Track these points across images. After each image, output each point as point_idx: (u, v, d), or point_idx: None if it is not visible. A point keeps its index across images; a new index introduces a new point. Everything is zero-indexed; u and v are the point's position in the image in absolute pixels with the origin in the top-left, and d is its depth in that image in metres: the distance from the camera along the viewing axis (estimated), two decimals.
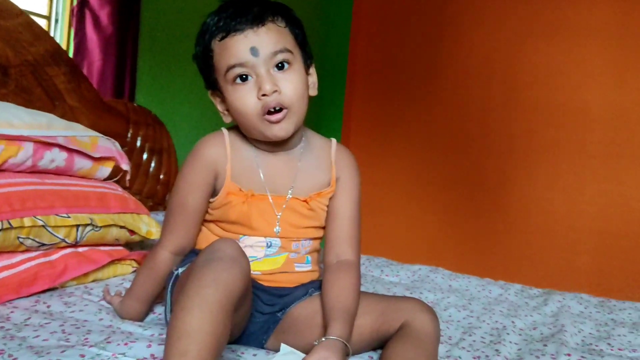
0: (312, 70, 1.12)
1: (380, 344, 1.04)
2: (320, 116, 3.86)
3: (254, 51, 1.00)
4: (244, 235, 1.09)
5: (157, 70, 2.66)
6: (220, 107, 1.11)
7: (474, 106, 3.55)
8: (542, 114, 3.34)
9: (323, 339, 0.92)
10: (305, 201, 1.11)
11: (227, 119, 1.11)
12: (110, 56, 2.36)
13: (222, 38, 1.02)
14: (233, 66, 1.01)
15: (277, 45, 1.01)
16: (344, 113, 3.92)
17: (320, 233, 1.16)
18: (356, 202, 1.16)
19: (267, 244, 1.09)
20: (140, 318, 1.16)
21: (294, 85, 1.03)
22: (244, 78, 1.02)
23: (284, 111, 1.02)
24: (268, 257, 1.09)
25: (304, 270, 1.14)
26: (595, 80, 3.21)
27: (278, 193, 1.10)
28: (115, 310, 1.18)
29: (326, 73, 3.92)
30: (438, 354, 1.10)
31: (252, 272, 1.05)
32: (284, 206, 1.09)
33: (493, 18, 3.48)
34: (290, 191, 1.10)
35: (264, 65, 1.01)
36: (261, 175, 1.09)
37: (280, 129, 1.03)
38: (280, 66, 1.02)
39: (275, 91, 1.00)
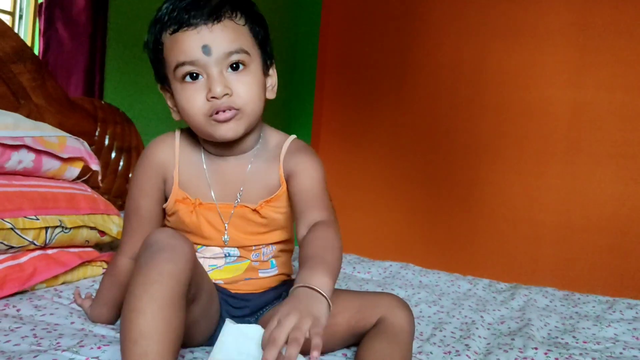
0: (272, 71, 1.04)
1: (356, 340, 1.04)
2: (290, 116, 3.87)
3: (206, 50, 0.92)
4: (202, 245, 1.07)
5: (126, 67, 2.62)
6: (169, 103, 1.05)
7: (441, 106, 3.60)
8: (507, 113, 3.40)
9: (295, 287, 0.77)
10: (255, 210, 1.04)
11: (176, 116, 1.04)
12: (80, 53, 2.32)
13: (174, 31, 0.93)
14: (182, 63, 0.93)
15: (232, 45, 0.93)
16: (313, 113, 3.93)
17: (283, 236, 1.09)
18: (317, 179, 1.02)
19: (225, 254, 1.06)
20: (110, 322, 1.15)
21: (247, 88, 0.95)
22: (194, 76, 0.94)
23: (234, 111, 0.95)
24: (228, 264, 1.07)
25: (269, 275, 1.11)
26: (556, 79, 3.28)
27: (226, 201, 1.05)
28: (86, 314, 1.17)
29: (295, 74, 3.93)
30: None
31: (214, 280, 1.06)
32: (231, 212, 1.04)
33: (460, 20, 3.53)
34: (237, 200, 1.04)
35: (217, 65, 0.93)
36: (208, 182, 1.05)
37: (228, 129, 0.96)
38: (234, 67, 0.95)
39: (227, 94, 0.93)
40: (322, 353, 1.06)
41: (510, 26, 3.39)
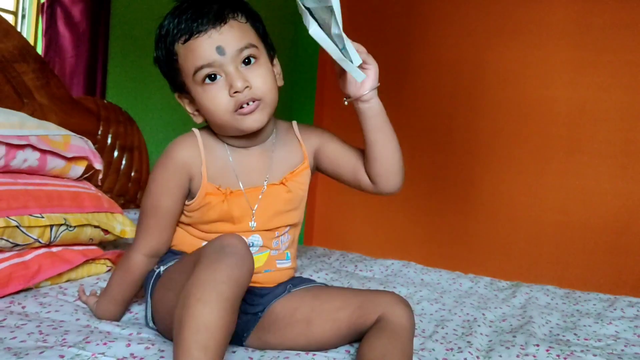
0: (276, 61, 1.12)
1: (358, 337, 1.06)
2: (291, 116, 3.86)
3: (220, 50, 0.99)
4: None
5: (128, 66, 2.63)
6: (189, 109, 1.10)
7: (442, 104, 3.60)
8: (507, 112, 3.41)
9: None
10: (281, 184, 1.12)
11: (198, 120, 1.10)
12: (81, 53, 2.33)
13: (186, 40, 1.01)
14: (201, 67, 1.00)
15: (242, 42, 1.01)
16: (314, 112, 3.94)
17: (298, 217, 1.17)
18: (341, 142, 1.20)
19: (250, 243, 1.09)
20: (116, 318, 1.16)
21: (263, 79, 1.03)
22: (213, 78, 1.01)
23: (257, 102, 1.02)
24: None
25: (285, 266, 1.16)
26: (556, 78, 3.29)
27: (254, 186, 1.10)
28: (91, 310, 1.18)
29: (297, 73, 3.94)
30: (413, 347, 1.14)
31: None
32: (259, 197, 1.10)
33: (460, 19, 3.54)
34: (265, 182, 1.11)
35: (232, 62, 1.00)
36: (235, 173, 1.10)
37: (254, 120, 1.03)
38: (247, 62, 1.02)
39: (247, 87, 1.00)
40: (326, 350, 1.08)
41: (511, 25, 3.40)
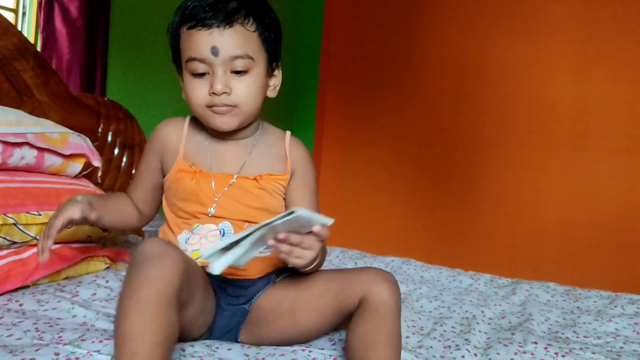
0: (278, 72, 1.13)
1: (347, 318, 1.02)
2: (293, 111, 3.87)
3: (214, 50, 1.01)
4: (198, 224, 1.10)
5: (128, 63, 2.63)
6: (181, 83, 1.14)
7: (445, 100, 3.59)
8: (511, 108, 3.40)
9: None
10: (254, 179, 1.11)
11: (184, 96, 1.13)
12: (79, 50, 2.33)
13: (190, 27, 1.03)
14: (193, 59, 1.03)
15: (239, 50, 1.02)
16: (317, 106, 3.93)
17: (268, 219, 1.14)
18: (314, 192, 1.18)
19: (220, 232, 1.09)
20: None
21: (246, 89, 1.05)
22: (200, 74, 1.04)
23: (230, 107, 1.05)
24: None
25: (264, 256, 1.10)
26: (561, 75, 3.28)
27: (225, 172, 1.12)
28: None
29: (299, 68, 3.93)
30: (409, 344, 1.14)
31: None
32: (227, 186, 1.10)
33: (463, 15, 3.53)
34: (237, 173, 1.11)
35: (222, 66, 1.02)
36: (209, 158, 1.13)
37: (222, 122, 1.07)
38: (237, 71, 1.04)
39: (225, 93, 1.03)
40: (319, 337, 1.09)
41: (514, 21, 3.38)
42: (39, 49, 2.25)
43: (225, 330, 1.09)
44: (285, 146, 1.16)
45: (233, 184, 1.11)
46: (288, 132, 1.20)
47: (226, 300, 1.09)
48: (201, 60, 1.03)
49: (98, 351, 0.94)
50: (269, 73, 1.10)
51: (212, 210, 1.09)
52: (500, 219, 3.43)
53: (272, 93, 1.13)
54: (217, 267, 0.86)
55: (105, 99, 2.35)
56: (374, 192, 3.80)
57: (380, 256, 1.97)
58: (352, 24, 3.90)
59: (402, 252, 2.29)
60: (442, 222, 3.58)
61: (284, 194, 1.15)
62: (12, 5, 2.31)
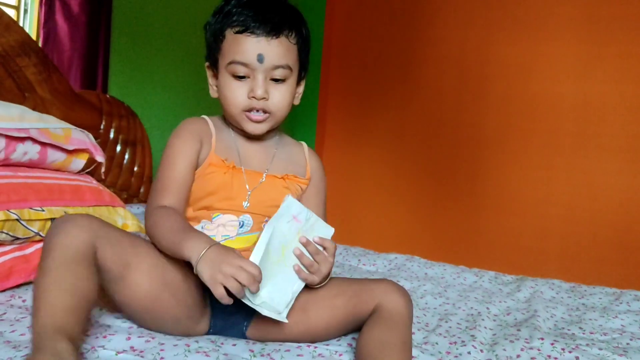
0: (303, 82, 1.20)
1: (356, 327, 1.05)
2: (295, 109, 3.85)
3: (260, 58, 1.06)
4: (218, 214, 1.10)
5: (130, 60, 2.62)
6: (211, 81, 1.17)
7: (447, 98, 3.58)
8: (513, 106, 3.39)
9: None
10: (282, 178, 1.16)
11: (214, 94, 1.16)
12: (81, 46, 2.32)
13: (238, 32, 1.07)
14: (238, 62, 1.07)
15: (281, 60, 1.08)
16: (318, 104, 3.92)
17: None
18: (324, 203, 1.24)
19: (240, 223, 1.11)
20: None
21: (282, 97, 1.10)
22: (242, 77, 1.08)
23: (266, 115, 1.10)
24: (240, 235, 1.11)
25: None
26: (564, 73, 3.26)
27: (255, 170, 1.15)
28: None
29: None
30: (415, 340, 1.13)
31: None
32: (258, 183, 1.13)
33: (465, 12, 3.51)
34: (266, 172, 1.15)
35: (264, 72, 1.07)
36: (239, 154, 1.15)
37: (256, 128, 1.12)
38: (276, 79, 1.09)
39: (264, 98, 1.08)
40: (327, 339, 1.07)
41: (517, 18, 3.37)
42: (40, 45, 2.24)
43: (233, 321, 1.08)
44: (305, 154, 1.24)
45: (263, 182, 1.14)
46: (304, 143, 1.27)
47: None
48: (245, 65, 1.07)
49: (102, 346, 0.93)
50: (298, 82, 1.17)
51: (246, 204, 1.11)
52: (503, 217, 3.42)
53: (297, 100, 1.19)
54: (284, 313, 0.99)
55: (108, 95, 2.34)
56: (377, 189, 3.79)
57: (384, 253, 1.97)
58: (353, 22, 3.89)
59: (405, 250, 2.29)
60: (445, 220, 3.58)
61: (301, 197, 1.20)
62: (13, 2, 2.30)
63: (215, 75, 1.14)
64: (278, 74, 1.09)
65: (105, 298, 1.06)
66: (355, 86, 3.89)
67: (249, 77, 1.08)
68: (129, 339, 0.97)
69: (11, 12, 2.28)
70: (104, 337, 0.97)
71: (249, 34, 1.06)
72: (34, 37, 2.30)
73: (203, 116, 1.19)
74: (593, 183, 3.19)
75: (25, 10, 2.34)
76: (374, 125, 3.80)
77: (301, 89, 1.20)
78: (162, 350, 0.95)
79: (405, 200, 3.69)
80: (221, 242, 1.07)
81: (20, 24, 2.29)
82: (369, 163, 3.81)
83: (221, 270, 0.88)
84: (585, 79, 3.21)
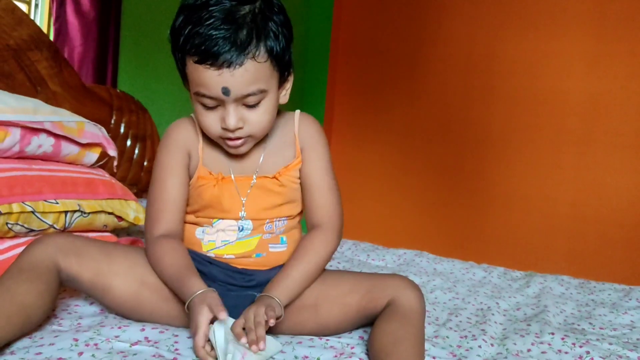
0: (290, 77, 1.07)
1: (367, 322, 1.06)
2: (303, 104, 3.87)
3: (225, 91, 0.95)
4: (218, 219, 1.09)
5: (139, 55, 2.63)
6: (190, 98, 1.07)
7: (455, 94, 3.58)
8: (521, 103, 3.38)
9: (260, 294, 1.00)
10: (274, 177, 1.09)
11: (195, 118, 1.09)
12: (91, 41, 2.33)
13: (197, 62, 0.94)
14: (203, 95, 0.98)
15: (251, 87, 0.96)
16: (326, 103, 3.92)
17: (295, 210, 1.14)
18: (325, 167, 1.13)
19: (239, 227, 1.09)
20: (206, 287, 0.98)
21: (259, 118, 1.01)
22: (211, 107, 1.00)
23: (245, 138, 1.02)
24: (241, 240, 1.09)
25: (279, 250, 1.12)
26: (571, 69, 3.25)
27: (245, 174, 1.10)
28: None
29: (308, 64, 3.92)
30: (425, 334, 1.14)
31: (225, 256, 1.09)
32: (249, 190, 1.09)
33: (473, 9, 3.51)
34: (256, 173, 1.09)
35: (233, 102, 0.97)
36: (227, 160, 1.10)
37: (238, 151, 1.05)
38: (250, 105, 0.99)
39: (239, 128, 1.00)
40: (338, 334, 1.08)
41: (525, 15, 3.36)
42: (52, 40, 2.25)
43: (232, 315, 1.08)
44: (295, 126, 1.12)
45: (255, 184, 1.09)
46: (297, 111, 1.15)
47: (235, 283, 1.08)
48: (211, 98, 0.97)
49: (117, 337, 0.94)
50: (280, 85, 1.04)
51: (243, 214, 1.08)
52: (510, 213, 3.42)
53: (283, 99, 1.08)
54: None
55: (118, 90, 2.35)
56: (385, 185, 3.79)
57: (393, 248, 1.97)
58: (361, 20, 3.88)
59: (414, 246, 2.29)
60: (452, 217, 3.58)
61: (299, 178, 1.13)
62: None
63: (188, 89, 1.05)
64: (251, 100, 0.98)
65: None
66: (362, 84, 3.89)
67: (219, 106, 0.99)
68: (143, 330, 0.98)
69: (23, 7, 2.29)
70: (119, 327, 0.97)
71: (208, 65, 0.93)
72: (45, 30, 2.31)
73: (192, 115, 1.11)
74: (601, 180, 3.19)
75: (37, 5, 2.35)
76: (382, 122, 3.80)
77: (287, 85, 1.07)
78: (176, 342, 0.96)
79: (413, 196, 3.70)
80: (221, 248, 1.09)
81: (32, 17, 2.31)
82: (376, 159, 3.81)
83: (190, 324, 0.91)
84: (593, 76, 3.21)
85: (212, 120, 1.01)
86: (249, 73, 0.95)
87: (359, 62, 3.90)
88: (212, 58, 0.93)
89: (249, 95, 0.97)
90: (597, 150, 3.20)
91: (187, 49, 0.95)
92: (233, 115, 0.98)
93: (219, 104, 0.98)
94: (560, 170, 3.29)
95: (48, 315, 1.01)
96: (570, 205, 3.26)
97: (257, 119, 1.00)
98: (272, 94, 1.02)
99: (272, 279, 1.03)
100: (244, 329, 0.89)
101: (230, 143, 1.03)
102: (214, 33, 0.92)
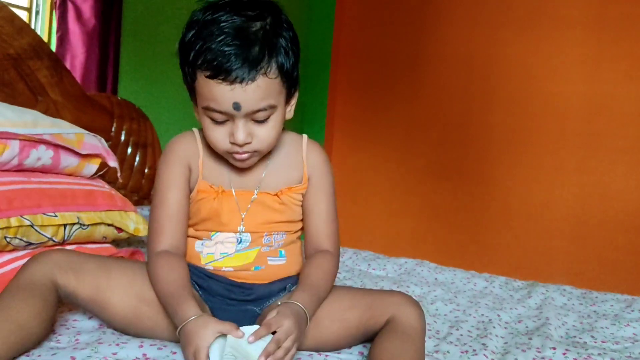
0: (296, 94, 1.08)
1: (368, 338, 1.05)
2: (304, 109, 3.86)
3: (236, 106, 0.96)
4: (216, 232, 1.09)
5: (140, 63, 2.63)
6: (195, 111, 1.08)
7: (455, 98, 3.57)
8: (522, 106, 3.37)
9: (281, 302, 0.97)
10: (276, 195, 1.11)
11: (197, 116, 1.08)
12: (92, 49, 2.33)
13: (209, 77, 0.95)
14: (213, 110, 0.98)
15: (262, 103, 0.97)
16: (327, 108, 3.92)
17: (294, 227, 1.15)
18: (330, 198, 1.15)
19: (238, 239, 1.09)
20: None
21: (267, 134, 1.02)
22: (220, 122, 1.00)
23: (252, 152, 1.03)
24: (239, 252, 1.09)
25: (278, 263, 1.12)
26: (573, 72, 3.24)
27: (246, 189, 1.10)
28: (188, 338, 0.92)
29: (309, 66, 3.92)
30: (426, 348, 1.13)
31: (224, 268, 1.09)
32: (249, 204, 1.09)
33: (474, 12, 3.50)
34: (257, 189, 1.10)
35: (243, 117, 0.98)
36: (228, 174, 1.10)
37: (243, 164, 1.06)
38: (259, 120, 1.00)
39: (248, 143, 1.00)
40: (337, 350, 1.07)
41: (526, 17, 3.35)
42: (53, 48, 2.26)
43: None
44: (303, 151, 1.14)
45: (255, 200, 1.10)
46: (305, 136, 1.17)
47: (233, 297, 1.08)
48: (221, 113, 0.98)
49: (115, 354, 0.94)
50: (287, 101, 1.06)
51: (241, 229, 1.09)
52: (512, 219, 3.41)
53: (289, 115, 1.08)
54: None
55: (119, 98, 2.35)
56: (386, 192, 3.79)
57: (394, 257, 1.96)
58: (363, 21, 3.88)
59: (414, 252, 2.29)
60: (453, 222, 3.57)
61: (302, 202, 1.15)
62: (25, 4, 2.31)
63: (195, 103, 1.05)
64: (260, 116, 0.99)
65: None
66: (364, 86, 3.88)
67: (228, 121, 0.99)
68: (141, 346, 0.98)
69: (23, 14, 2.29)
70: (117, 345, 0.97)
71: (220, 80, 0.94)
72: (45, 39, 2.31)
73: (193, 130, 1.13)
74: (604, 185, 3.18)
75: (37, 12, 2.35)
76: (383, 127, 3.79)
77: (293, 101, 1.08)
78: (174, 359, 0.95)
79: (413, 203, 3.69)
80: (219, 260, 1.09)
81: (32, 26, 2.31)
82: (377, 165, 3.81)
83: (186, 349, 0.90)
84: (594, 78, 3.19)
85: (220, 135, 1.01)
86: (261, 89, 0.96)
87: (360, 66, 3.90)
88: (224, 73, 0.94)
89: (259, 110, 0.98)
90: (599, 154, 3.19)
91: (199, 64, 0.96)
92: (242, 130, 0.99)
93: (228, 118, 0.99)
94: (562, 174, 3.28)
95: (47, 332, 1.01)
96: (572, 209, 3.25)
97: (265, 134, 1.02)
98: (280, 110, 1.03)
99: (295, 288, 1.04)
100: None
101: (237, 157, 1.03)
102: (227, 49, 0.93)
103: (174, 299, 0.96)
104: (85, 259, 1.03)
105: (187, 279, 1.02)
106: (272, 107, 1.00)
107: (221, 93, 0.95)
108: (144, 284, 1.04)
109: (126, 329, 1.05)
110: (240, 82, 0.94)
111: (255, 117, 0.99)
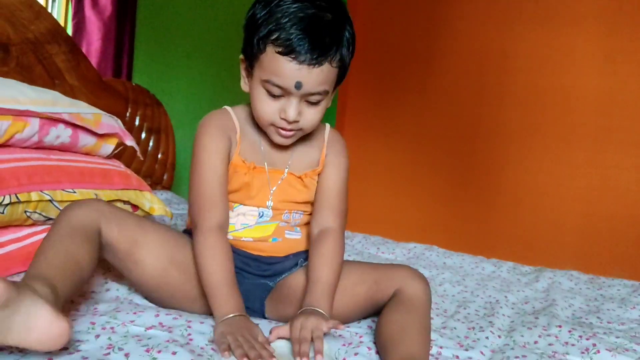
0: (338, 87, 1.15)
1: (376, 311, 1.09)
2: None
3: (298, 85, 1.01)
4: (240, 204, 1.13)
5: (154, 50, 2.67)
6: (244, 73, 1.11)
7: (467, 91, 3.58)
8: (533, 99, 3.37)
9: (302, 309, 0.99)
10: (300, 178, 1.16)
11: (245, 88, 1.12)
12: (108, 36, 2.37)
13: (280, 52, 0.99)
14: (274, 84, 1.02)
15: (320, 87, 1.03)
16: (338, 98, 3.94)
17: (311, 208, 1.20)
18: (342, 177, 1.20)
19: (260, 213, 1.14)
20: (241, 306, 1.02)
21: (314, 117, 1.08)
22: (277, 96, 1.04)
23: (294, 132, 1.09)
24: (259, 224, 1.14)
25: (294, 238, 1.18)
26: (585, 67, 3.23)
27: (276, 167, 1.15)
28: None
29: None
30: (433, 325, 1.16)
31: (243, 238, 1.13)
32: (279, 181, 1.14)
33: (487, 5, 3.50)
34: (287, 168, 1.15)
35: (299, 97, 1.04)
36: (262, 151, 1.15)
37: (284, 141, 1.10)
38: (311, 102, 1.06)
39: (296, 121, 1.06)
40: (347, 323, 1.10)
41: (539, 11, 3.35)
42: (70, 34, 2.29)
43: (250, 302, 1.11)
44: (325, 138, 1.20)
45: (284, 179, 1.15)
46: (328, 125, 1.24)
47: (249, 269, 1.13)
48: (282, 88, 1.02)
49: (132, 321, 0.97)
50: (332, 91, 1.12)
51: (270, 204, 1.13)
52: (521, 210, 3.41)
53: (329, 103, 1.14)
54: None
55: (134, 84, 2.39)
56: (396, 181, 3.80)
57: (403, 242, 1.99)
58: (375, 14, 3.89)
59: (424, 240, 2.30)
60: (462, 211, 3.58)
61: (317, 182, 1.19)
62: None
63: (249, 74, 1.08)
64: (314, 98, 1.05)
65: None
66: (375, 77, 3.90)
67: (283, 96, 1.04)
68: (157, 315, 1.01)
69: (40, 0, 2.33)
70: (134, 313, 1.00)
71: (290, 58, 0.99)
72: (62, 24, 2.35)
73: (225, 107, 1.16)
74: (614, 178, 3.17)
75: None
76: (394, 116, 3.80)
77: (334, 94, 1.14)
78: (189, 327, 0.98)
79: (423, 191, 3.70)
80: (240, 230, 1.13)
81: (49, 11, 2.34)
82: (388, 154, 3.82)
83: (237, 333, 0.90)
84: (607, 73, 3.19)
85: (271, 108, 1.05)
86: (323, 74, 1.02)
87: (372, 58, 3.91)
88: (296, 53, 0.99)
89: (315, 93, 1.04)
90: (610, 147, 3.18)
91: (273, 39, 1.00)
92: (295, 108, 1.04)
93: (284, 94, 1.04)
94: (572, 166, 3.28)
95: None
96: (581, 201, 3.25)
97: (312, 116, 1.07)
98: (329, 97, 1.10)
99: (307, 292, 1.04)
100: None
101: (283, 132, 1.08)
102: (302, 33, 0.98)
103: (218, 290, 1.00)
104: (126, 214, 1.07)
105: (233, 269, 1.05)
106: (326, 93, 1.06)
107: (288, 70, 1.00)
108: (175, 246, 1.08)
109: (150, 292, 1.09)
110: (308, 64, 0.99)
111: (310, 99, 1.05)
